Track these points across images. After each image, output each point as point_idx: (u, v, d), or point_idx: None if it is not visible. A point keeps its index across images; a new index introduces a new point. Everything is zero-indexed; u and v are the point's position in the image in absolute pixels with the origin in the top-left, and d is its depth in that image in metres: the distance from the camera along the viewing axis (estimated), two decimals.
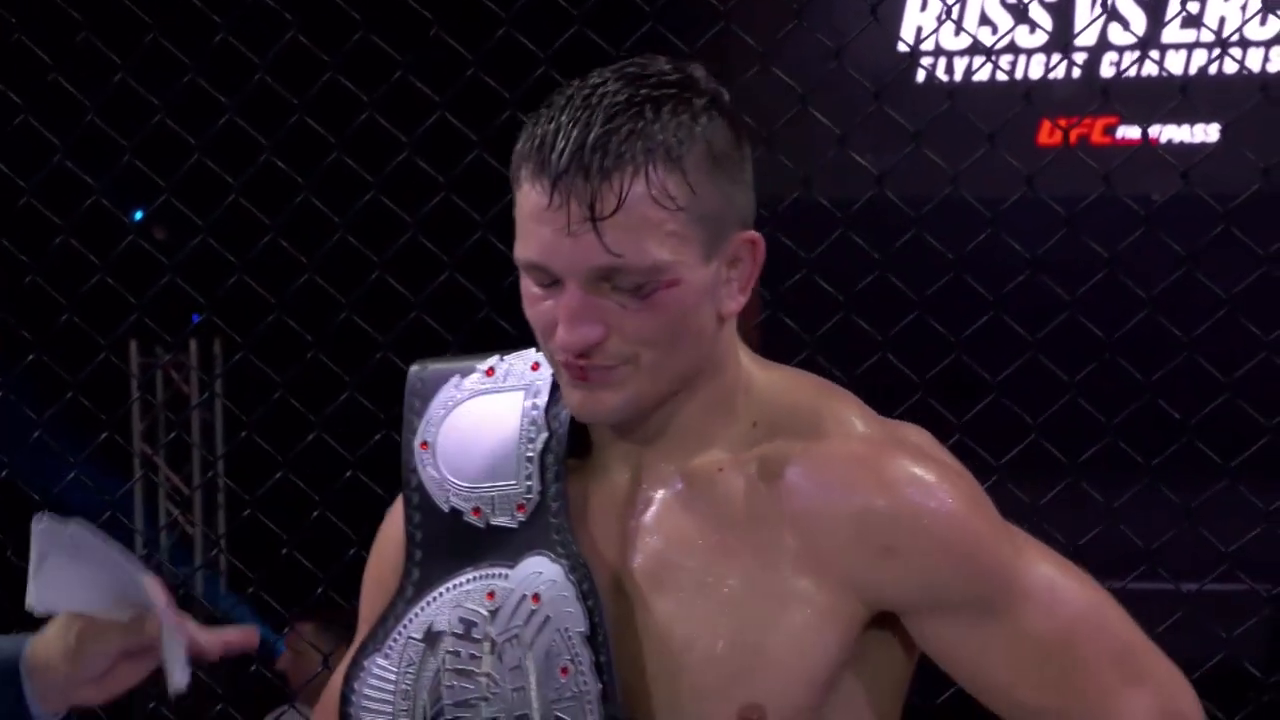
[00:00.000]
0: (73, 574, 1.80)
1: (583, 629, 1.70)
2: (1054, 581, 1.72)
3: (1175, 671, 1.73)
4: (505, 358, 1.83)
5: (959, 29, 6.80)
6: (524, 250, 1.66)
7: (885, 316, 3.27)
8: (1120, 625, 1.74)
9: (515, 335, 2.10)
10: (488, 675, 1.73)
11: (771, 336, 3.10)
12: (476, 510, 1.79)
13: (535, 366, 1.82)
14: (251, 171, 3.44)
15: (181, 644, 1.78)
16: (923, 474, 1.71)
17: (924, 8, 7.26)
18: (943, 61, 7.24)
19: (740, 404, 1.76)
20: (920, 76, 6.47)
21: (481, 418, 1.81)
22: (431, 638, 1.75)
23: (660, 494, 1.77)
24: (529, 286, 1.69)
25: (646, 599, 1.75)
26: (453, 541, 1.79)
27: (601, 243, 1.62)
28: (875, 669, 1.77)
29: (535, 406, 1.80)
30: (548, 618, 1.72)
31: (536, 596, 1.73)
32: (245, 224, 3.51)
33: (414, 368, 1.84)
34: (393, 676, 1.76)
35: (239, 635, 1.87)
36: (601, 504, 1.79)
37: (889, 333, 3.24)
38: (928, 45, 7.03)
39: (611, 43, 3.15)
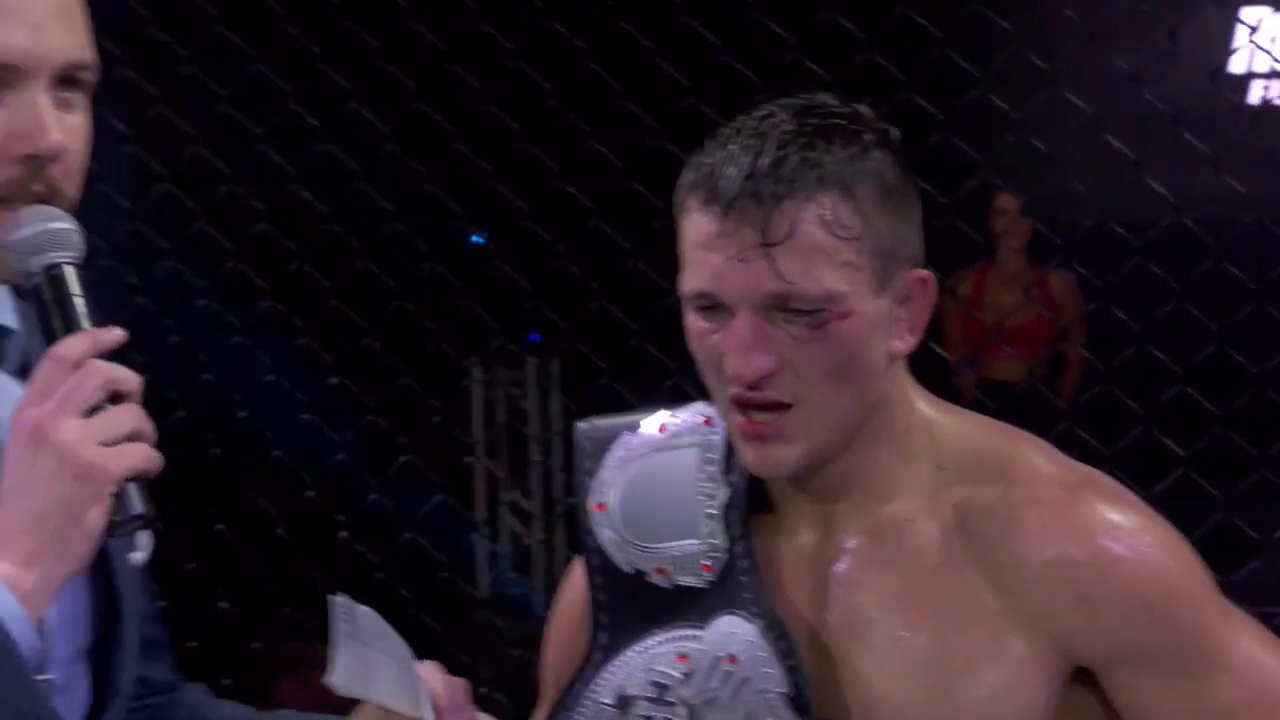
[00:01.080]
0: (366, 659, 1.82)
1: (785, 690, 1.70)
2: (1255, 655, 1.69)
3: None
4: (675, 413, 1.83)
5: None
6: (693, 280, 1.66)
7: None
8: None
9: None
10: None
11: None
12: (660, 570, 1.79)
13: (708, 421, 1.80)
14: (544, 198, 3.60)
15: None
16: (1119, 519, 1.69)
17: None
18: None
19: (920, 446, 1.75)
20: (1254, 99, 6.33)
21: (657, 476, 1.82)
22: (623, 702, 1.76)
23: (850, 546, 1.76)
24: (695, 320, 1.68)
25: (843, 654, 1.74)
26: (637, 603, 1.79)
27: (774, 269, 1.62)
28: None
29: (711, 462, 1.80)
30: (746, 679, 1.72)
31: (733, 658, 1.73)
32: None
33: (580, 425, 1.85)
34: None
35: None
36: (790, 559, 1.79)
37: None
38: (1260, 66, 6.76)
39: (903, 68, 3.23)
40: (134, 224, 4.30)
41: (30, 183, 1.63)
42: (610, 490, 1.81)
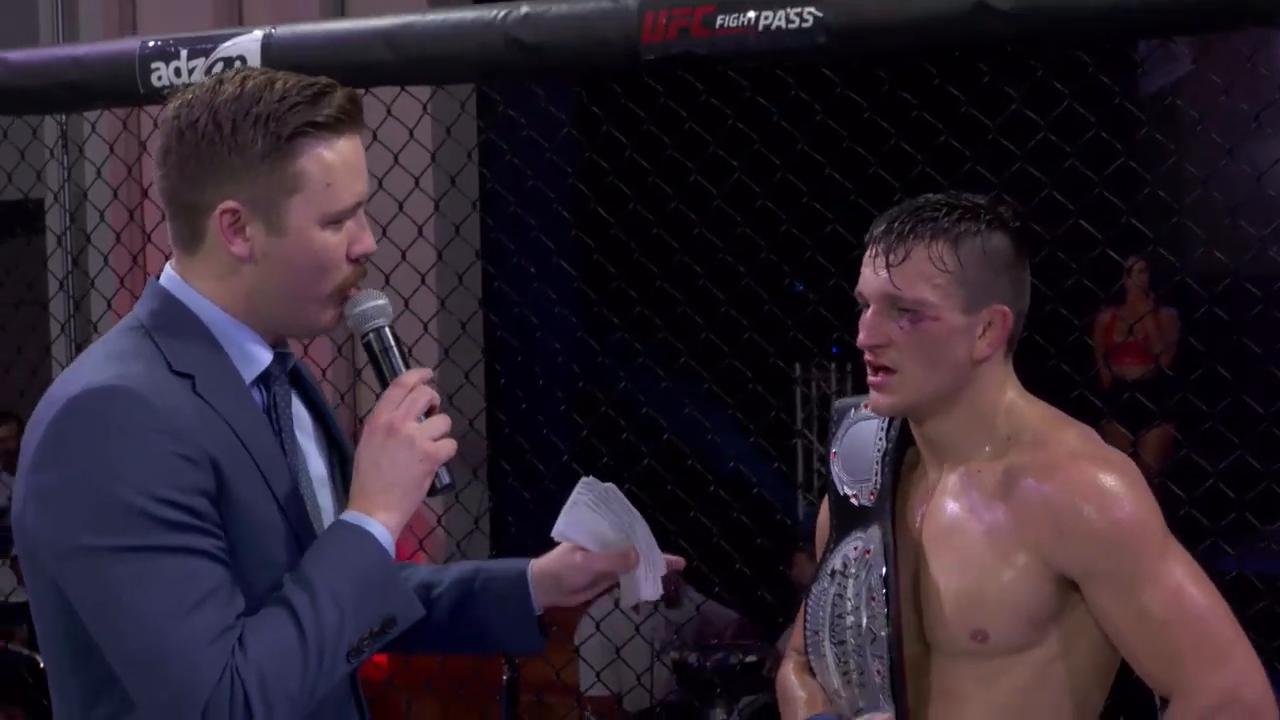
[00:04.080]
0: (589, 518, 2.07)
1: (881, 574, 2.07)
2: (1181, 584, 1.97)
3: (1253, 669, 1.97)
4: None
5: None
6: (859, 284, 2.08)
7: None
8: (1220, 629, 1.97)
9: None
10: (850, 598, 2.10)
11: None
12: (855, 496, 2.16)
13: None
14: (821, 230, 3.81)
15: (656, 569, 2.08)
16: (1095, 481, 1.99)
17: None
18: None
19: (1000, 424, 2.07)
20: None
21: (858, 435, 2.18)
22: (834, 572, 2.14)
23: (946, 485, 2.10)
24: (862, 313, 2.07)
25: (929, 555, 2.08)
26: (846, 514, 2.17)
27: (890, 280, 2.01)
28: (1075, 628, 2.05)
29: (881, 428, 2.18)
30: (871, 565, 2.08)
31: (869, 551, 2.09)
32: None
33: (835, 401, 2.24)
34: (819, 592, 2.17)
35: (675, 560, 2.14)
36: (916, 490, 2.14)
37: None
38: None
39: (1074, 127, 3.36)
40: (577, 284, 5.27)
41: (359, 276, 1.95)
42: (838, 443, 2.21)
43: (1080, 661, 2.05)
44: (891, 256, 2.03)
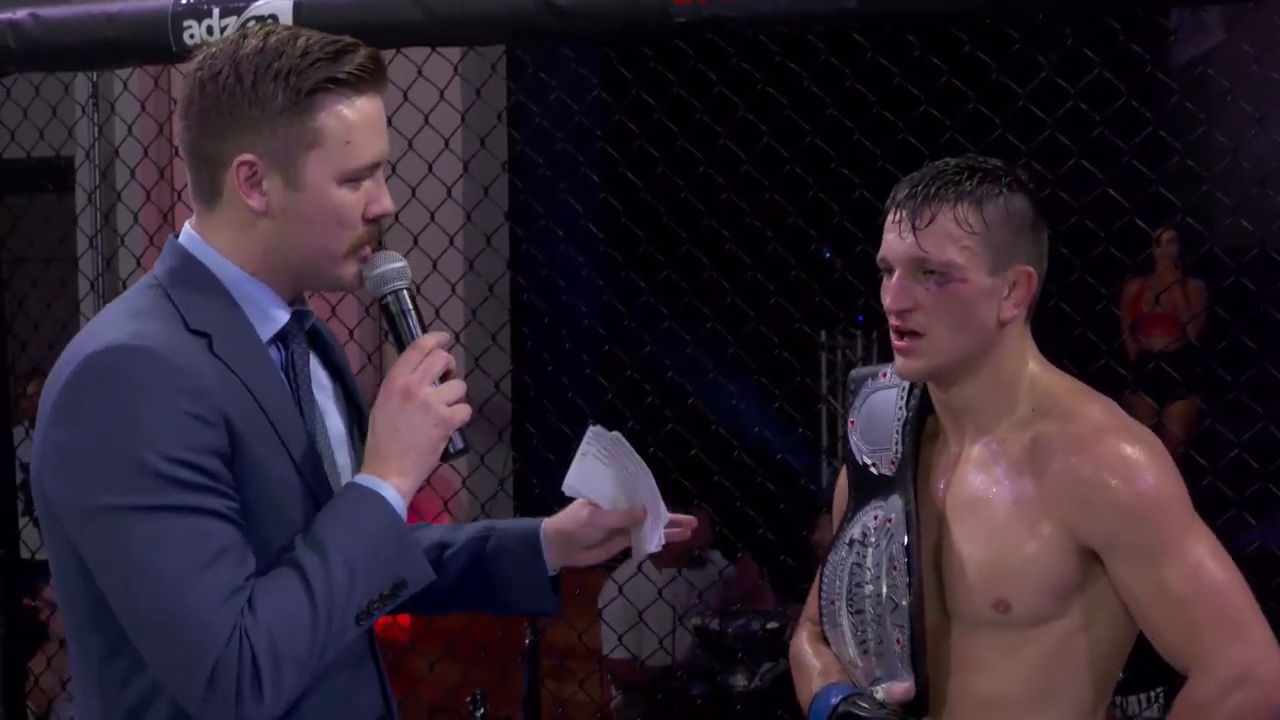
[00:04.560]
0: (600, 471, 2.07)
1: (904, 543, 2.09)
2: (1202, 560, 1.99)
3: (1270, 646, 1.99)
4: (891, 364, 2.18)
5: None
6: (881, 250, 2.09)
7: None
8: (1239, 606, 1.99)
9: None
10: (869, 567, 2.12)
11: None
12: (875, 465, 2.17)
13: None
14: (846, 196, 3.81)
15: (660, 521, 2.08)
16: (1122, 454, 2.01)
17: None
18: None
19: (1021, 394, 2.10)
20: None
21: (877, 404, 2.20)
22: (852, 542, 2.17)
23: (969, 456, 2.12)
24: (883, 280, 2.09)
25: (953, 524, 2.10)
26: (865, 483, 2.18)
27: (918, 243, 2.03)
28: (1097, 600, 2.07)
29: (901, 397, 2.19)
30: (893, 534, 2.10)
31: (890, 520, 2.11)
32: None
33: (852, 371, 2.27)
34: (836, 561, 2.19)
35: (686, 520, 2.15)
36: (938, 460, 2.16)
37: None
38: None
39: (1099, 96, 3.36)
40: (604, 248, 5.28)
41: (376, 236, 1.94)
42: (856, 412, 2.24)
43: (1101, 635, 2.08)
44: (917, 220, 2.04)
